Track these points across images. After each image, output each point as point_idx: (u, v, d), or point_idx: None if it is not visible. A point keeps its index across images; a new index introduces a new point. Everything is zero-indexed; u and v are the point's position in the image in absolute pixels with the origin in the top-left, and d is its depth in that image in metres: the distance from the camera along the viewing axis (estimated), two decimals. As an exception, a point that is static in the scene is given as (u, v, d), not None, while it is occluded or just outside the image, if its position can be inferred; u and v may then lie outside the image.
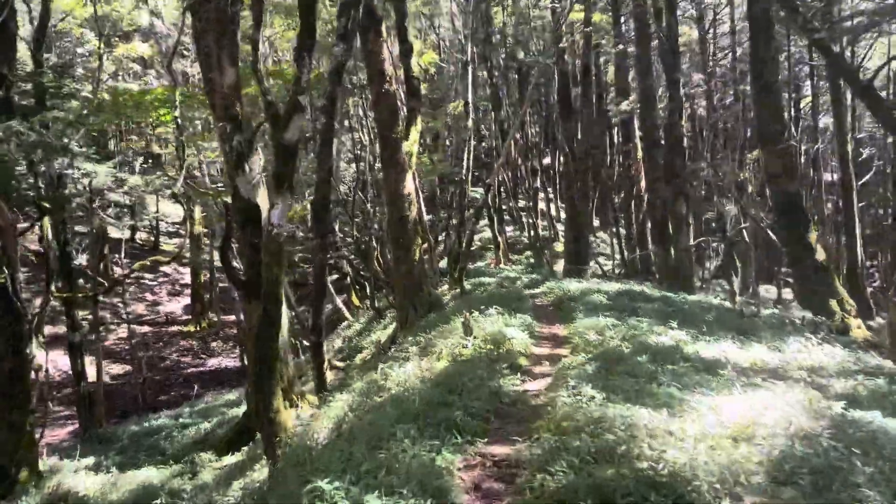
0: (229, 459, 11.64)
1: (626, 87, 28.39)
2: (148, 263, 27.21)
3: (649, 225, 28.96)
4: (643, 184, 28.98)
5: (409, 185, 15.47)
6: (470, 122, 18.52)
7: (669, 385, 5.93)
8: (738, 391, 5.89)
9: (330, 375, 12.53)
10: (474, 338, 8.48)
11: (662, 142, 17.73)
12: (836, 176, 29.50)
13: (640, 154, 29.01)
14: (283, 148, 7.36)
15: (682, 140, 16.92)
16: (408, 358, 9.35)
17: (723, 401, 5.35)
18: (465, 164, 18.34)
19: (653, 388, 5.74)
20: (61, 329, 25.27)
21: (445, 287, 19.66)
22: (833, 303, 12.41)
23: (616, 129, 54.02)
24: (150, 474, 11.10)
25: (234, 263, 13.56)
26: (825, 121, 35.78)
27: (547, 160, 44.00)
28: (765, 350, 8.97)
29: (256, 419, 7.65)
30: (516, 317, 10.13)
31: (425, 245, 22.88)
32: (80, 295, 16.23)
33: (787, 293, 27.02)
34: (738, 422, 4.77)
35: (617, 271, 24.55)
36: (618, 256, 27.86)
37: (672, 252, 18.18)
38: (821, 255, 12.56)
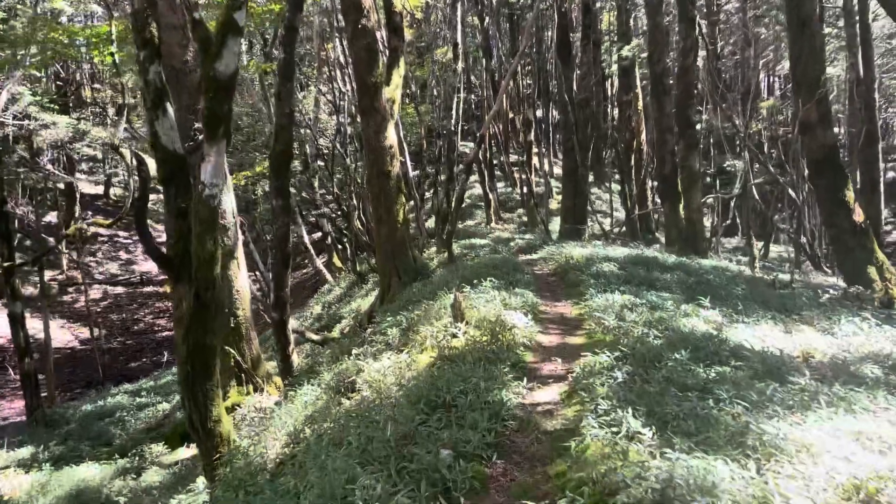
0: (182, 453, 10.14)
1: (628, 31, 26.36)
2: (84, 228, 25.12)
3: (650, 182, 27.38)
4: (643, 137, 27.22)
5: (392, 136, 13.65)
6: (460, 67, 16.59)
7: (731, 402, 4.36)
8: (826, 410, 4.34)
9: (296, 359, 10.92)
10: (466, 323, 6.86)
11: (673, 91, 15.92)
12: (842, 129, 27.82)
13: (640, 105, 27.18)
14: (216, 82, 5.57)
15: (694, 86, 15.11)
16: (386, 345, 7.76)
17: (821, 436, 3.78)
18: (454, 113, 16.49)
19: (714, 411, 4.16)
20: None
21: (433, 249, 18.03)
22: (872, 270, 10.91)
23: (608, 81, 51.85)
24: (88, 473, 9.56)
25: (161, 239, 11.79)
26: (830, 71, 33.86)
27: (540, 112, 42.02)
28: (815, 334, 7.43)
29: (192, 430, 6.04)
30: (515, 292, 8.51)
31: (410, 203, 21.15)
32: (20, 262, 14.41)
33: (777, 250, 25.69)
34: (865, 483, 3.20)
35: (616, 230, 22.97)
36: (617, 214, 26.28)
37: (681, 211, 16.57)
38: (859, 215, 11.00)
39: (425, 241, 18.94)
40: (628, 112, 26.41)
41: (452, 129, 16.37)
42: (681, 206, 16.79)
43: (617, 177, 42.69)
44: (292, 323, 14.74)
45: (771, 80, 47.35)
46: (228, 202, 10.73)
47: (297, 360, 10.78)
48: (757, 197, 21.00)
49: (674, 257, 12.64)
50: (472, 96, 30.11)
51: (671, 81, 17.17)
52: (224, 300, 9.58)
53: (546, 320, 7.71)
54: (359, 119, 15.33)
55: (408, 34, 37.80)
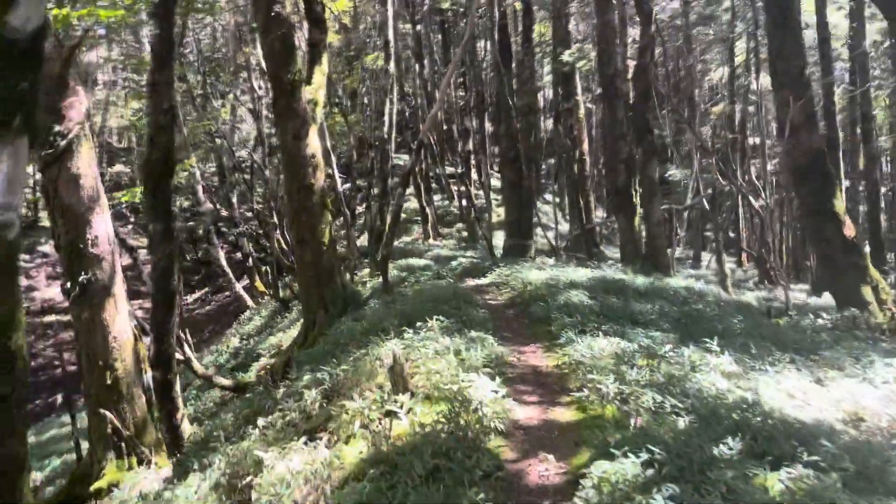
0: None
1: (567, 36, 25.13)
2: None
3: (594, 193, 26.17)
4: (585, 146, 26.00)
5: (314, 142, 11.62)
6: (392, 68, 14.69)
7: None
8: None
9: (189, 429, 8.63)
10: (411, 395, 4.91)
11: (631, 92, 14.51)
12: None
13: (581, 113, 25.97)
14: (8, 45, 3.47)
15: (652, 88, 13.75)
16: (302, 415, 5.71)
17: None
18: (386, 120, 14.57)
19: None
20: None
21: (366, 272, 15.97)
22: (866, 290, 9.64)
23: (541, 92, 51.10)
24: None
25: None
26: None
27: (475, 123, 40.67)
28: (851, 384, 5.86)
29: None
30: (470, 337, 6.62)
31: (340, 220, 19.04)
32: None
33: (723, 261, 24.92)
34: None
35: (563, 244, 21.51)
36: (562, 228, 24.90)
37: (637, 225, 15.16)
38: (849, 228, 9.73)
39: (357, 263, 16.87)
40: (569, 121, 25.12)
41: (385, 137, 14.44)
42: (637, 219, 15.41)
43: (555, 188, 41.87)
44: (197, 366, 12.42)
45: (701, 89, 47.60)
46: (102, 225, 8.45)
47: (188, 428, 8.50)
48: (707, 206, 19.96)
49: (641, 278, 11.07)
50: (406, 106, 28.27)
51: (623, 84, 15.79)
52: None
53: (517, 378, 5.83)
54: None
55: (335, 40, 35.74)
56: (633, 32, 21.41)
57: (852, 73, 18.40)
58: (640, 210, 14.79)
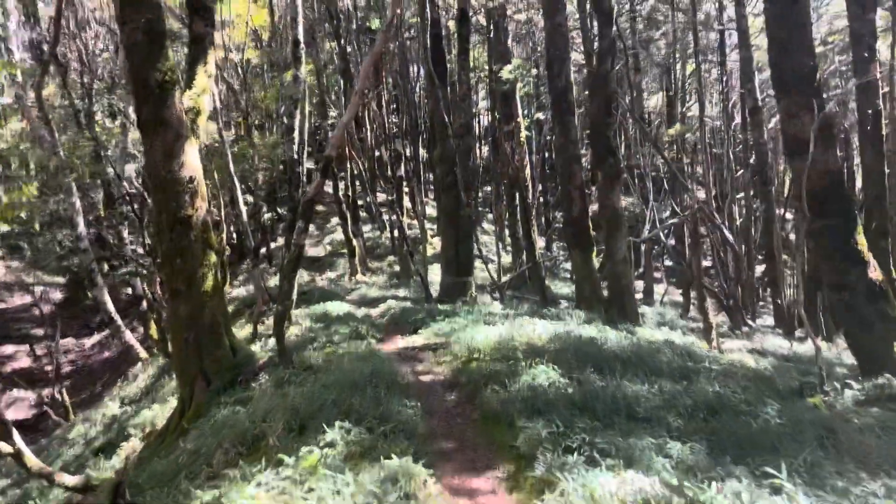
0: None
1: (506, 52, 23.19)
2: None
3: (536, 224, 24.14)
4: (528, 172, 24.01)
5: (192, 163, 8.90)
6: (302, 72, 12.11)
7: None
8: None
9: None
10: None
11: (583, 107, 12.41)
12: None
13: (523, 136, 23.98)
14: None
15: (612, 100, 11.67)
16: None
17: None
18: (296, 136, 11.94)
19: None
20: None
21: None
22: (899, 349, 7.66)
23: (477, 116, 49.43)
24: None
25: None
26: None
27: (409, 151, 38.55)
28: None
29: None
30: (387, 468, 4.04)
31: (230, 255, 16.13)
32: None
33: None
34: None
35: (504, 279, 19.21)
36: (504, 260, 22.66)
37: (594, 261, 13.00)
38: (875, 271, 7.76)
39: (266, 309, 14.00)
40: (509, 144, 23.08)
41: (295, 156, 11.78)
42: (593, 255, 13.25)
43: (490, 216, 39.84)
44: (31, 460, 9.31)
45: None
46: None
47: None
48: (672, 242, 18.12)
49: (613, 333, 8.78)
50: (328, 123, 25.72)
51: (576, 99, 13.75)
52: None
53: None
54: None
55: (254, 56, 32.88)
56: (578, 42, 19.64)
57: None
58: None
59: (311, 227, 32.82)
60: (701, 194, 21.85)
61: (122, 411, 13.60)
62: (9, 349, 29.82)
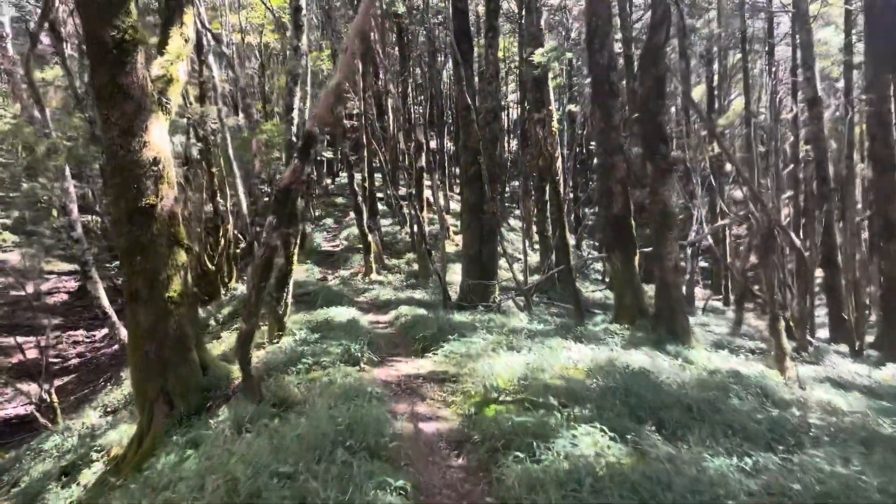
0: None
1: (538, 33, 21.35)
2: None
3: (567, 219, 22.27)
4: (559, 164, 22.19)
5: (158, 142, 7.36)
6: (304, 44, 10.51)
7: None
8: None
9: None
10: None
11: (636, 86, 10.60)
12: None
13: (555, 125, 22.14)
14: None
15: (665, 81, 9.86)
16: None
17: None
18: (295, 116, 10.35)
19: None
20: None
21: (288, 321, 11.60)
22: None
23: (507, 109, 47.55)
24: None
25: None
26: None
27: (434, 143, 36.88)
28: None
29: None
30: None
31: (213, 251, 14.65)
32: None
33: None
34: None
35: (528, 280, 17.44)
36: (532, 258, 20.93)
37: (634, 265, 11.22)
38: None
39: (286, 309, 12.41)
40: (541, 133, 21.27)
41: (294, 139, 10.17)
42: (636, 258, 11.47)
43: (517, 212, 37.93)
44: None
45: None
46: None
47: None
48: (709, 242, 16.20)
49: (667, 362, 7.04)
50: (347, 108, 24.16)
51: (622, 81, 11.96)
52: None
53: None
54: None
55: (273, 40, 31.38)
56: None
57: None
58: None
59: (329, 221, 31.32)
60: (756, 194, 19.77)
61: (100, 423, 12.21)
62: (19, 339, 28.87)
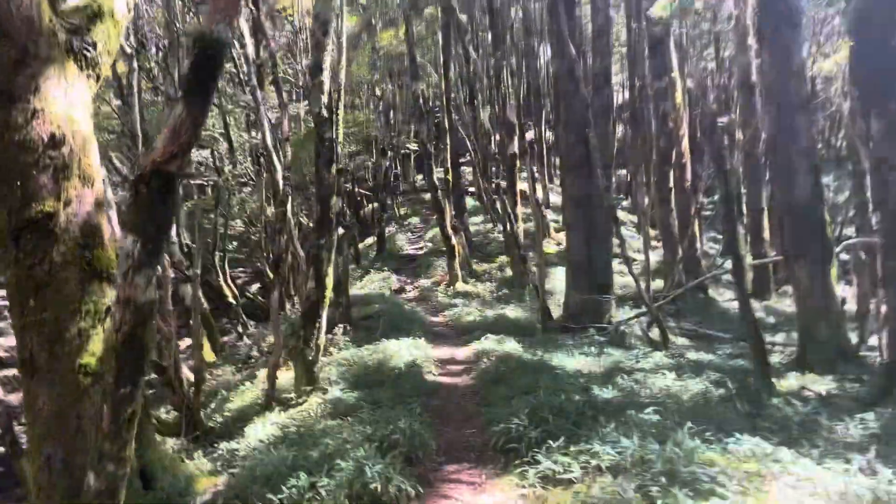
0: None
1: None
2: None
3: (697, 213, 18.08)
4: (685, 144, 18.06)
5: (61, 111, 4.40)
6: None
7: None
8: None
9: None
10: None
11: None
12: None
13: (679, 95, 18.01)
14: None
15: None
16: None
17: None
18: (325, 75, 7.33)
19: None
20: None
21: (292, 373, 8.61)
22: None
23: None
24: None
25: None
26: None
27: (531, 134, 33.18)
28: None
29: None
30: None
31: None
32: None
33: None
34: None
35: (648, 287, 13.60)
36: (654, 260, 16.99)
37: (830, 280, 7.41)
38: None
39: (279, 361, 9.54)
40: (661, 106, 17.29)
41: (323, 111, 7.12)
42: (834, 270, 7.62)
43: (625, 203, 33.30)
44: None
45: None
46: None
47: None
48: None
49: None
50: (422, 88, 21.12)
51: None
52: None
53: None
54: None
55: (354, 24, 28.81)
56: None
57: None
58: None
59: (415, 220, 28.41)
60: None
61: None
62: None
